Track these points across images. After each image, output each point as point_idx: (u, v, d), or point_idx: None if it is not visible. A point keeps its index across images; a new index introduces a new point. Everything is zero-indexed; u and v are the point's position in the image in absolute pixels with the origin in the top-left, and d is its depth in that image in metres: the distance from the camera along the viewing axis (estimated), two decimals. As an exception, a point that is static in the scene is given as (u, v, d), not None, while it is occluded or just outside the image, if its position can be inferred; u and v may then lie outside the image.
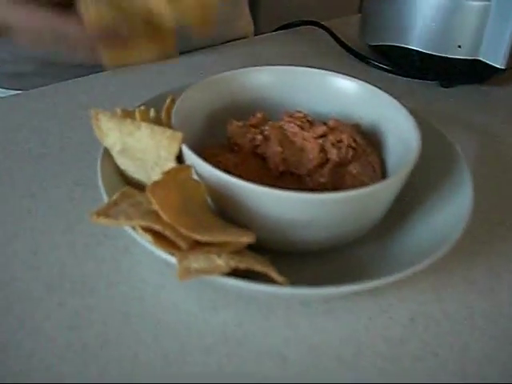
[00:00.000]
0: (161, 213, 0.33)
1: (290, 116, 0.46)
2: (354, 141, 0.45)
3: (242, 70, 0.51)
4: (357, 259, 0.43)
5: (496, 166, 0.59)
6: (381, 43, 0.74)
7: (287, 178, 0.44)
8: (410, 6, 0.68)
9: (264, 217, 0.38)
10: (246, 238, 0.34)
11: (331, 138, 0.45)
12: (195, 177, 0.39)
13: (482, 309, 0.42)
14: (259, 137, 0.45)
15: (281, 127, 0.46)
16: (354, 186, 0.44)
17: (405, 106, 0.47)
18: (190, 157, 0.39)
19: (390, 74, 0.75)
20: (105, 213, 0.36)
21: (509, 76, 0.70)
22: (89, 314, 0.39)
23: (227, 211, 0.40)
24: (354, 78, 0.50)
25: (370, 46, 0.77)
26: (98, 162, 0.42)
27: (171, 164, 0.39)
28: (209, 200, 0.40)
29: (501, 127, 0.66)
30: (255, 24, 0.89)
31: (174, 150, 0.39)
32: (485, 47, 0.66)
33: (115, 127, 0.40)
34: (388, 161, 0.47)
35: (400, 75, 0.74)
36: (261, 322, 0.39)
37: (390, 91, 0.71)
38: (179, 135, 0.39)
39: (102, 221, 0.35)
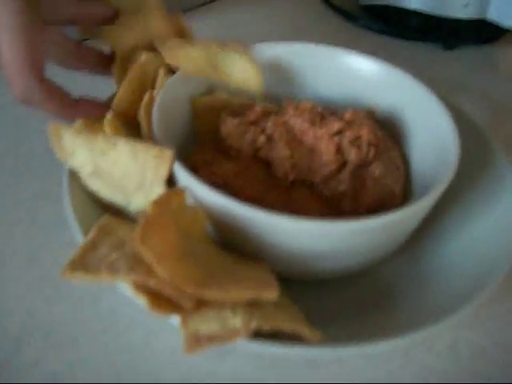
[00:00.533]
0: (157, 269, 0.25)
1: (296, 108, 0.38)
2: (376, 136, 0.37)
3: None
4: (378, 282, 0.36)
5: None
6: (374, 2, 0.65)
7: (298, 187, 0.36)
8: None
9: (281, 248, 0.31)
10: (268, 294, 0.27)
11: (348, 134, 0.37)
12: (189, 200, 0.31)
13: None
14: (261, 137, 0.36)
15: (286, 123, 0.37)
16: (377, 191, 0.37)
17: (432, 91, 0.39)
18: (185, 178, 0.31)
19: (384, 37, 0.66)
20: (81, 264, 0.27)
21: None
22: (69, 373, 0.31)
23: (234, 241, 0.32)
24: (369, 55, 0.42)
25: (361, 6, 0.68)
26: (65, 188, 0.33)
27: (159, 188, 0.31)
28: (208, 226, 0.32)
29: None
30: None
31: (164, 172, 0.30)
32: (494, 5, 0.58)
33: (84, 145, 0.31)
34: (412, 156, 0.40)
35: (396, 37, 0.66)
36: (278, 370, 0.32)
37: (387, 56, 0.64)
38: (169, 154, 0.30)
39: (80, 276, 0.27)
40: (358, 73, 0.42)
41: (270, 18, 0.69)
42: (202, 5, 0.71)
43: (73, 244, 0.32)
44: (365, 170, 0.37)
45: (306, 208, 0.35)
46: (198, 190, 0.30)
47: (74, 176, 0.34)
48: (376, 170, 0.37)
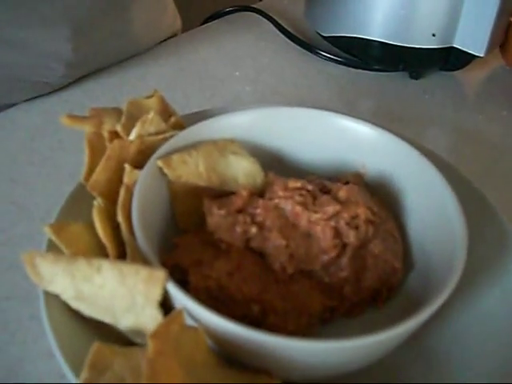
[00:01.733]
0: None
1: (285, 188, 0.35)
2: (372, 212, 0.35)
3: (206, 121, 0.39)
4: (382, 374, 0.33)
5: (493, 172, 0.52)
6: (335, 34, 0.63)
7: (297, 277, 0.33)
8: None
9: (281, 361, 0.28)
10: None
11: (345, 215, 0.34)
12: (188, 320, 0.28)
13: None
14: (252, 229, 0.34)
15: (277, 208, 0.35)
16: (378, 270, 0.35)
17: (425, 154, 0.37)
18: (182, 299, 0.28)
19: (349, 68, 0.64)
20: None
21: (482, 60, 0.61)
22: None
23: (237, 355, 0.29)
24: (355, 117, 0.39)
25: (323, 37, 0.66)
26: (45, 321, 0.30)
27: (152, 310, 0.28)
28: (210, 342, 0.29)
29: (480, 119, 0.58)
30: (183, 16, 0.75)
31: (156, 296, 0.27)
32: (461, 33, 0.57)
33: (64, 272, 0.28)
34: (407, 221, 0.38)
35: (361, 69, 0.64)
36: None
37: (353, 88, 0.62)
38: (161, 275, 0.27)
39: None
40: (344, 135, 0.39)
41: (230, 54, 0.66)
42: (159, 43, 0.67)
43: (52, 355, 0.29)
44: (364, 249, 0.35)
45: (307, 301, 0.33)
46: (197, 312, 0.27)
47: (51, 297, 0.30)
48: (375, 247, 0.35)
